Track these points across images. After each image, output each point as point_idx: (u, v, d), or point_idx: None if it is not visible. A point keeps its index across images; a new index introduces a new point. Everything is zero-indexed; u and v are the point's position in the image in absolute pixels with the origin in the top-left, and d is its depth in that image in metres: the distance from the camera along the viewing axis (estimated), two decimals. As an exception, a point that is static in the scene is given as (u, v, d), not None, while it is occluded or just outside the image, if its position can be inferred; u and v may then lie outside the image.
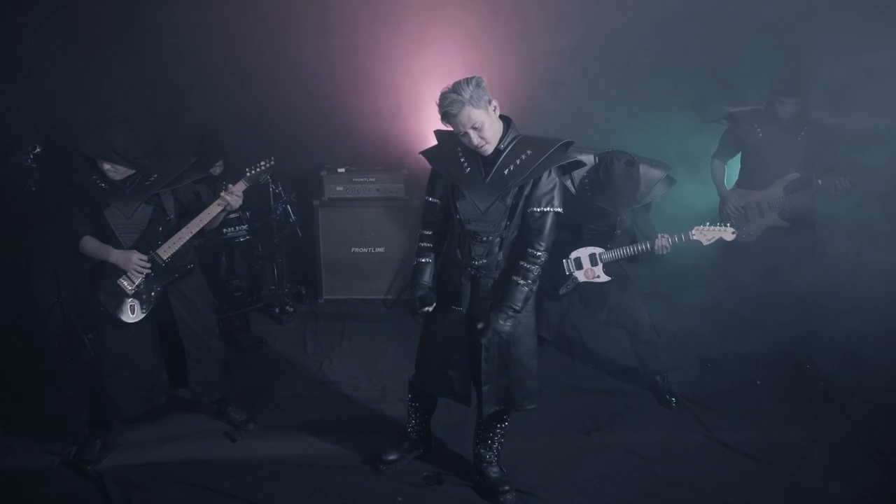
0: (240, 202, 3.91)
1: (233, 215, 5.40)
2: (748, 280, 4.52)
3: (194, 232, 3.85)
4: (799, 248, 4.41)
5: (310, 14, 5.86)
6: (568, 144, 3.21)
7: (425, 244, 3.39)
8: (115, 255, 3.71)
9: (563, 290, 4.26)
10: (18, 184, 4.75)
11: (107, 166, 3.65)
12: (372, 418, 4.23)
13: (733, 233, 4.16)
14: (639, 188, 4.08)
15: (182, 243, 3.82)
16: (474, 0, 5.85)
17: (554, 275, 4.26)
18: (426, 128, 5.59)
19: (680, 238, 4.16)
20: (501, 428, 3.54)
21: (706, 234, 4.16)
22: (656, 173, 4.15)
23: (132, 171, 3.72)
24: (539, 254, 3.12)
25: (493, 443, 3.55)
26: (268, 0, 5.84)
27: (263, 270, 6.01)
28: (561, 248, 4.26)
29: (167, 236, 3.81)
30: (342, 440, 4.00)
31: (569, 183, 4.21)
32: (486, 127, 3.00)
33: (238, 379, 4.41)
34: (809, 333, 4.55)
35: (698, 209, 4.67)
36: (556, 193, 3.10)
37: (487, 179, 3.11)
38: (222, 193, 3.85)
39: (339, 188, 6.06)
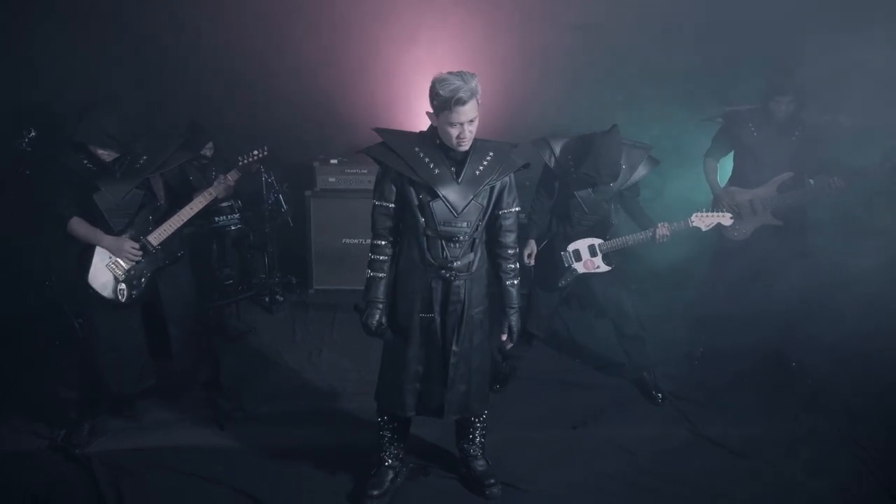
0: (231, 192, 3.92)
1: (224, 204, 5.39)
2: (738, 278, 4.56)
3: (185, 220, 3.84)
4: (790, 246, 4.44)
5: (304, 3, 5.85)
6: (515, 145, 3.28)
7: (383, 256, 3.16)
8: (107, 241, 3.69)
9: (562, 283, 4.26)
10: (13, 168, 4.73)
11: (101, 151, 3.62)
12: (360, 410, 4.21)
13: (731, 217, 4.21)
14: (621, 155, 4.05)
15: (173, 230, 3.82)
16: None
17: (551, 267, 4.28)
18: (419, 120, 5.62)
19: (679, 225, 4.17)
20: (481, 422, 3.53)
21: (705, 220, 4.18)
22: (638, 152, 4.17)
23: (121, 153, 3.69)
24: (514, 251, 3.31)
25: (474, 437, 3.55)
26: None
27: (254, 259, 6.01)
28: (557, 241, 4.29)
29: (158, 222, 3.80)
30: (330, 431, 4.02)
31: (547, 156, 4.23)
32: (476, 123, 2.99)
33: (226, 367, 4.41)
34: (796, 332, 4.59)
35: (696, 202, 4.65)
36: (517, 194, 3.26)
37: (460, 179, 3.06)
38: (214, 183, 3.85)
39: (332, 179, 6.06)
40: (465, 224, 3.08)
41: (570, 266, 4.26)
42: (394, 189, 3.11)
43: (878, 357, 4.40)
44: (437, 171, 3.04)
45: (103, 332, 3.81)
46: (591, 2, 5.72)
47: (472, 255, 3.17)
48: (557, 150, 4.24)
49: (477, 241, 3.17)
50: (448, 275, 3.12)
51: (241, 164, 3.91)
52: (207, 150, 5.48)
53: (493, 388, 4.50)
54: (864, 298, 4.31)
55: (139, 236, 3.74)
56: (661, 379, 4.50)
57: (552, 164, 4.23)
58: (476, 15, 5.85)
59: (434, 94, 2.91)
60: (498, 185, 3.16)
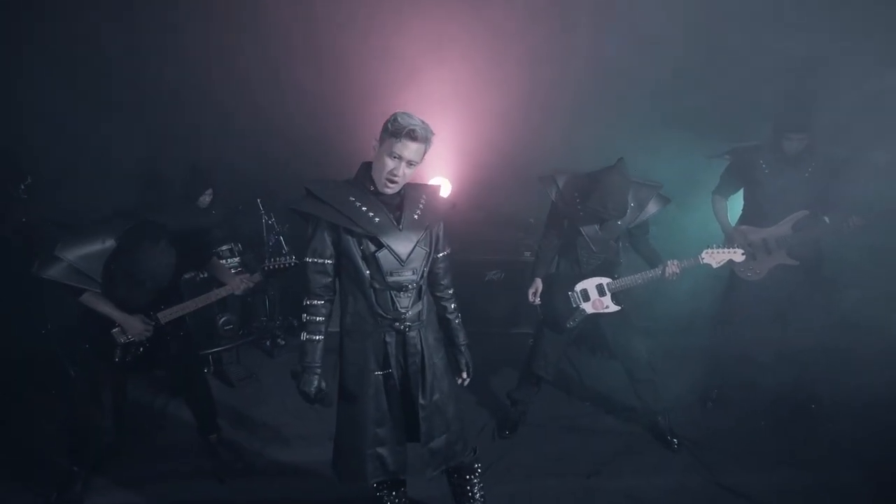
0: (248, 289, 3.89)
1: (224, 247, 5.30)
2: (753, 318, 4.43)
3: (199, 307, 3.80)
4: (806, 287, 4.31)
5: (304, 41, 5.82)
6: (439, 186, 3.20)
7: (319, 317, 3.00)
8: (117, 315, 3.61)
9: (570, 324, 4.14)
10: (10, 216, 4.67)
11: None
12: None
13: (743, 254, 4.09)
14: (628, 188, 3.97)
15: (184, 313, 3.77)
16: (473, 29, 5.81)
17: (559, 308, 4.16)
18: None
19: (689, 262, 4.06)
20: (477, 476, 3.36)
21: (716, 257, 4.08)
22: (647, 190, 4.08)
23: None
24: (453, 290, 3.24)
25: (473, 494, 3.36)
26: (262, 26, 5.79)
27: (255, 303, 5.88)
28: (564, 281, 4.17)
29: (168, 298, 3.75)
30: (331, 484, 3.81)
31: (553, 192, 4.15)
32: (412, 171, 2.89)
33: (226, 414, 4.31)
34: (814, 374, 4.44)
35: (706, 240, 4.54)
36: (447, 235, 3.15)
37: (401, 226, 2.92)
38: (238, 279, 3.84)
39: (290, 206, 5.93)
40: (411, 272, 2.93)
41: (577, 306, 4.13)
42: (328, 243, 2.92)
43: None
44: (377, 219, 2.88)
45: (95, 383, 3.72)
46: (596, 39, 5.67)
47: (420, 303, 3.02)
48: (563, 185, 4.15)
49: (423, 287, 3.04)
50: (402, 326, 2.97)
51: (266, 269, 3.79)
52: (206, 197, 5.38)
53: (502, 434, 4.40)
54: (888, 342, 4.16)
55: (150, 311, 3.68)
56: (675, 423, 4.35)
57: (557, 200, 4.14)
58: (478, 50, 5.81)
59: (391, 121, 2.80)
60: (435, 229, 3.05)
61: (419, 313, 3.02)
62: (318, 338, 3.03)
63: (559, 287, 4.19)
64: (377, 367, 3.00)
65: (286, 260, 3.76)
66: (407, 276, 2.92)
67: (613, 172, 3.91)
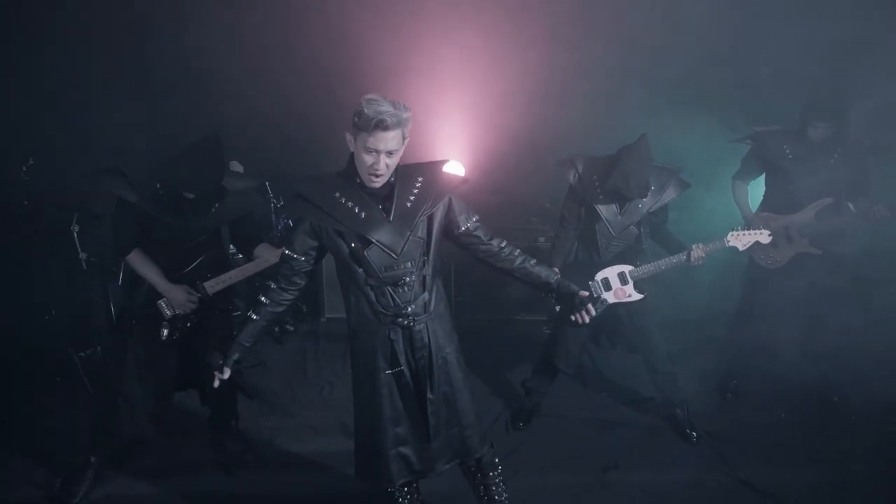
0: None
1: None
2: (773, 308, 4.30)
3: (247, 275, 3.66)
4: (829, 277, 4.17)
5: (320, 18, 5.69)
6: (445, 161, 2.99)
7: (271, 302, 2.93)
8: (163, 285, 3.50)
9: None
10: (11, 197, 4.59)
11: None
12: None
13: (770, 235, 3.99)
14: (651, 165, 3.84)
15: (231, 283, 3.64)
16: (489, 16, 5.66)
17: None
18: (438, 141, 5.43)
19: (715, 245, 3.94)
20: (499, 474, 3.22)
21: (742, 239, 3.96)
22: (667, 174, 3.96)
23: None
24: (506, 243, 2.97)
25: (498, 495, 3.21)
26: (276, 5, 5.66)
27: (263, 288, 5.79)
28: (583, 270, 4.05)
29: (215, 269, 3.63)
30: (342, 476, 3.78)
31: (572, 175, 4.02)
32: (395, 158, 2.68)
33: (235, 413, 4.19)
34: (836, 366, 4.31)
35: (724, 227, 4.41)
36: (466, 205, 2.92)
37: (391, 217, 2.72)
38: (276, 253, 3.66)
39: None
40: (408, 264, 2.75)
41: (599, 296, 3.99)
42: (308, 242, 2.79)
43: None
44: (362, 214, 2.70)
45: (135, 359, 3.60)
46: (617, 19, 5.51)
47: (425, 294, 2.84)
48: (582, 168, 4.02)
49: (428, 277, 2.85)
50: (406, 322, 2.81)
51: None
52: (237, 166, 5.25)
53: (517, 425, 4.31)
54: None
55: (196, 281, 3.57)
56: (694, 415, 4.24)
57: (576, 182, 4.01)
58: (497, 31, 5.66)
59: (357, 113, 2.58)
60: (440, 211, 2.82)
61: (425, 305, 2.85)
62: (256, 318, 2.94)
63: (579, 276, 4.06)
64: (387, 366, 2.85)
65: None
66: (404, 268, 2.75)
67: (636, 149, 3.78)
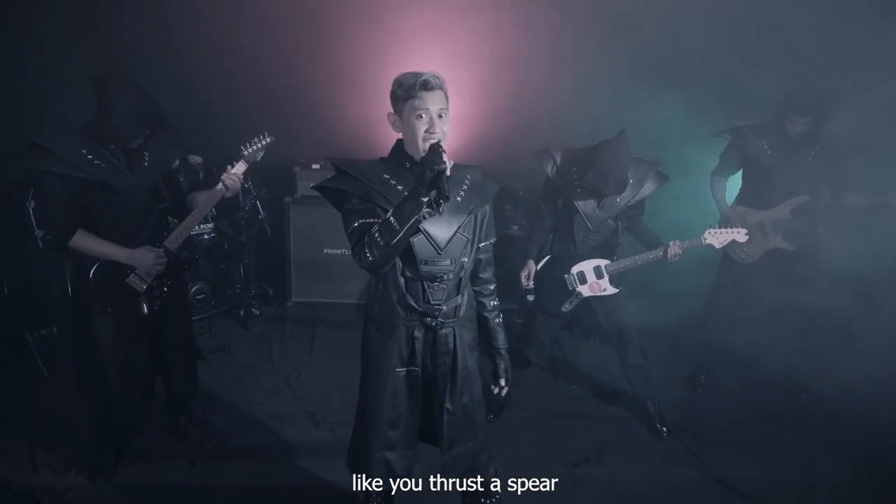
0: (239, 185, 3.55)
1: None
2: (744, 302, 4.31)
3: (199, 220, 3.48)
4: (801, 273, 4.18)
5: (296, 3, 5.51)
6: (480, 168, 2.84)
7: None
8: (124, 254, 3.23)
9: (566, 307, 3.96)
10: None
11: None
12: (342, 442, 3.83)
13: (746, 234, 4.00)
14: (629, 162, 3.78)
15: (188, 233, 3.45)
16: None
17: (553, 290, 3.99)
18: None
19: (692, 243, 3.92)
20: (497, 501, 3.05)
21: (718, 237, 3.96)
22: (646, 166, 3.91)
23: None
24: (494, 286, 2.93)
25: None
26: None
27: (229, 270, 5.64)
28: (561, 263, 4.00)
29: (167, 225, 3.45)
30: (309, 468, 3.69)
31: (550, 167, 3.95)
32: (447, 124, 2.52)
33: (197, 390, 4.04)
34: (805, 362, 4.34)
35: (699, 222, 4.38)
36: (492, 223, 2.86)
37: (441, 208, 2.45)
38: (223, 176, 3.48)
39: (314, 185, 5.68)
40: (449, 261, 2.61)
41: (574, 290, 3.95)
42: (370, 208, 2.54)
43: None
44: None
45: (111, 345, 3.35)
46: (595, 7, 5.43)
47: (458, 297, 2.71)
48: (560, 160, 3.94)
49: (463, 279, 2.72)
50: (433, 322, 2.68)
51: (245, 153, 3.53)
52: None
53: (487, 417, 4.22)
54: (882, 332, 4.06)
55: (156, 242, 3.35)
56: (664, 409, 4.22)
57: (553, 175, 3.94)
58: (469, 18, 5.55)
59: (397, 85, 2.49)
60: (479, 215, 2.73)
61: (456, 309, 2.71)
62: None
63: (554, 269, 4.01)
64: (400, 364, 2.70)
65: (261, 140, 3.61)
66: (443, 265, 2.60)
67: (614, 145, 3.72)
